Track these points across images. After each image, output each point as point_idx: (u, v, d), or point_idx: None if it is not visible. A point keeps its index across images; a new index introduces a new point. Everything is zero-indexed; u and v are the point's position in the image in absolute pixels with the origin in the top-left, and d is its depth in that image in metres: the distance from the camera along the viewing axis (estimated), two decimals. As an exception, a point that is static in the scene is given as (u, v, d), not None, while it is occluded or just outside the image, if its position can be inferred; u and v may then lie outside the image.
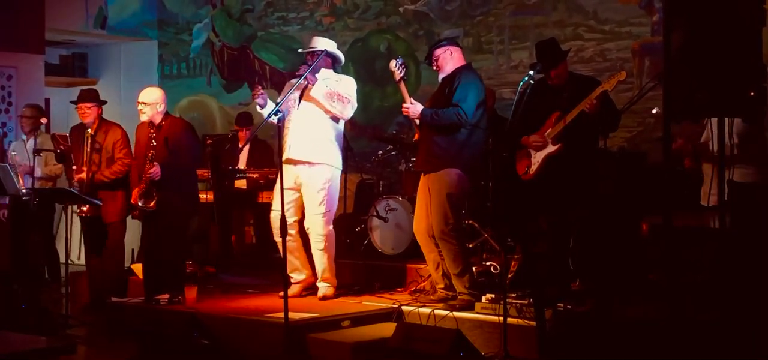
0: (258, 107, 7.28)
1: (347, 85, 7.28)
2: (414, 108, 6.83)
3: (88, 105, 8.08)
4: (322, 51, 7.22)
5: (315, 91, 7.16)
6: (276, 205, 7.26)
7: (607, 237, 6.58)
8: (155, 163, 7.34)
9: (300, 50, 7.50)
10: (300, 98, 7.27)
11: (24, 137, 9.22)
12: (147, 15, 12.28)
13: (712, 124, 6.58)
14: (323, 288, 7.29)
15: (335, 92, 7.16)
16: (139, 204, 7.42)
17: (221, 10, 11.79)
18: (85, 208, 8.00)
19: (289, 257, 7.37)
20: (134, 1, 12.14)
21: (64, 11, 11.44)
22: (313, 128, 7.23)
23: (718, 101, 4.92)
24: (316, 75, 7.15)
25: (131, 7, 12.15)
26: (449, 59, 6.88)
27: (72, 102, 8.28)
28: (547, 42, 6.64)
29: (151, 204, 7.38)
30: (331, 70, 7.34)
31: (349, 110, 7.26)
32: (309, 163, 7.22)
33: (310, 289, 7.43)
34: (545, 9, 9.04)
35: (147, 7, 12.26)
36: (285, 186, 7.21)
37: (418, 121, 6.96)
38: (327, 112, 7.22)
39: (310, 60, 7.21)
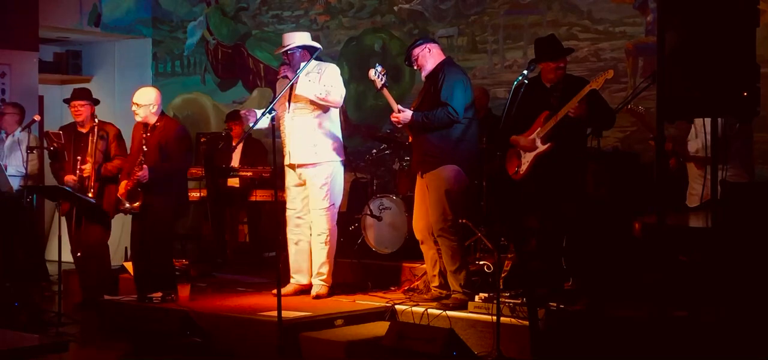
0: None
1: (330, 74, 7.23)
2: (404, 115, 6.81)
3: (82, 103, 8.05)
4: (299, 47, 7.19)
5: (300, 89, 7.13)
6: (290, 204, 7.34)
7: (599, 237, 6.59)
8: (144, 165, 7.30)
9: (275, 51, 7.45)
10: (289, 101, 7.25)
11: (2, 135, 9.22)
12: (141, 13, 12.27)
13: (697, 126, 6.61)
14: (318, 286, 7.28)
15: (321, 87, 7.13)
16: (125, 203, 7.42)
17: (216, 8, 11.78)
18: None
19: (298, 258, 7.41)
20: (128, -1, 12.15)
21: (58, 9, 11.43)
22: (309, 129, 7.21)
23: (711, 101, 4.92)
24: (298, 72, 7.10)
25: (125, 5, 12.13)
26: (429, 57, 6.88)
27: (65, 100, 8.26)
28: (548, 38, 6.66)
29: (135, 205, 7.38)
30: (313, 61, 7.24)
31: (337, 97, 7.19)
32: (312, 164, 7.22)
33: (305, 292, 7.41)
34: (540, 8, 9.04)
35: (141, 4, 12.25)
36: (292, 184, 7.30)
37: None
38: (317, 107, 7.20)
39: (288, 59, 7.19)
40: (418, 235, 7.02)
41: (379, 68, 6.95)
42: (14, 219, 8.88)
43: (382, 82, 6.93)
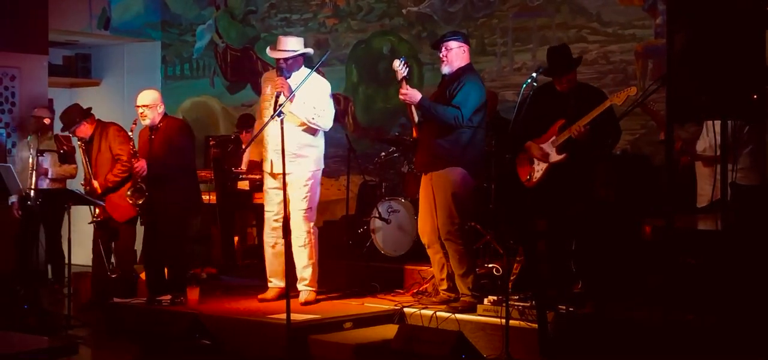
0: None
1: (320, 96, 7.08)
2: (412, 92, 6.73)
3: (79, 127, 8.12)
4: (297, 53, 7.09)
5: (294, 108, 6.94)
6: (268, 207, 7.26)
7: (608, 240, 6.58)
8: (141, 158, 7.34)
9: (268, 50, 7.28)
10: (275, 107, 6.85)
11: (30, 138, 9.24)
12: (150, 16, 12.28)
13: (706, 125, 6.60)
14: (305, 292, 7.20)
15: (311, 110, 6.98)
16: (127, 196, 7.48)
17: (224, 11, 11.80)
18: (97, 211, 7.99)
19: (274, 261, 7.29)
20: (138, 2, 12.15)
21: (67, 12, 11.45)
22: (292, 139, 6.95)
23: (720, 104, 4.92)
24: (292, 87, 6.90)
25: (135, 8, 12.16)
26: (461, 55, 6.81)
27: (62, 129, 8.32)
28: (560, 48, 6.63)
29: (140, 200, 7.40)
30: (303, 68, 7.13)
31: (328, 121, 7.12)
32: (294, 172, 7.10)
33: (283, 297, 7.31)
34: (548, 11, 9.02)
35: (150, 8, 12.27)
36: (270, 186, 7.21)
37: (414, 111, 6.87)
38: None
39: (284, 64, 7.03)
40: (424, 239, 6.99)
41: (403, 59, 6.88)
42: (29, 222, 8.93)
43: (404, 73, 6.85)
